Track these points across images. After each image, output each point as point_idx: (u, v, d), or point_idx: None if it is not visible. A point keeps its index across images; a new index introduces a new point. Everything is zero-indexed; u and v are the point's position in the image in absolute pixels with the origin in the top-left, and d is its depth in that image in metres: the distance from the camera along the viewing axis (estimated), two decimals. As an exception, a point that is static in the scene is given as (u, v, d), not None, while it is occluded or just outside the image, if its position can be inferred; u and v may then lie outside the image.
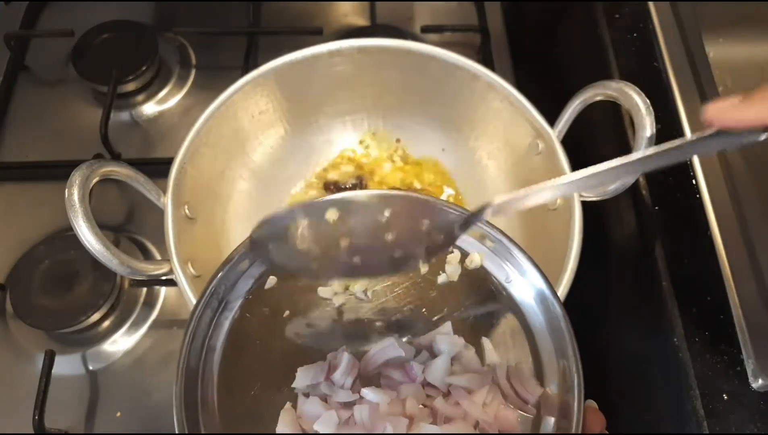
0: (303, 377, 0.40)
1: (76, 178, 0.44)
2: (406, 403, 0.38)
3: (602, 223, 0.56)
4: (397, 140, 0.66)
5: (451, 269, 0.43)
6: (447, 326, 0.42)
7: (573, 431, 0.35)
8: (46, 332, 0.58)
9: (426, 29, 0.76)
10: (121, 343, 0.59)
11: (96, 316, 0.58)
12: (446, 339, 0.41)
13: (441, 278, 0.43)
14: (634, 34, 0.58)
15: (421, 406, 0.38)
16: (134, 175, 0.49)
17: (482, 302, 0.43)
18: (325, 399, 0.39)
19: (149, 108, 0.73)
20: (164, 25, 0.76)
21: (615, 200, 0.50)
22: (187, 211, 0.52)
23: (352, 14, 0.80)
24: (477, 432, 0.37)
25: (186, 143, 0.52)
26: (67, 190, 0.43)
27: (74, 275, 0.59)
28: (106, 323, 0.60)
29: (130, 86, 0.72)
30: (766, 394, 0.44)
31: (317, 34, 0.73)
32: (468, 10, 0.79)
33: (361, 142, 0.66)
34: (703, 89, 0.54)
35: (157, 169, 0.55)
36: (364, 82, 0.61)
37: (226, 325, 0.40)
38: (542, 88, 0.62)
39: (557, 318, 0.38)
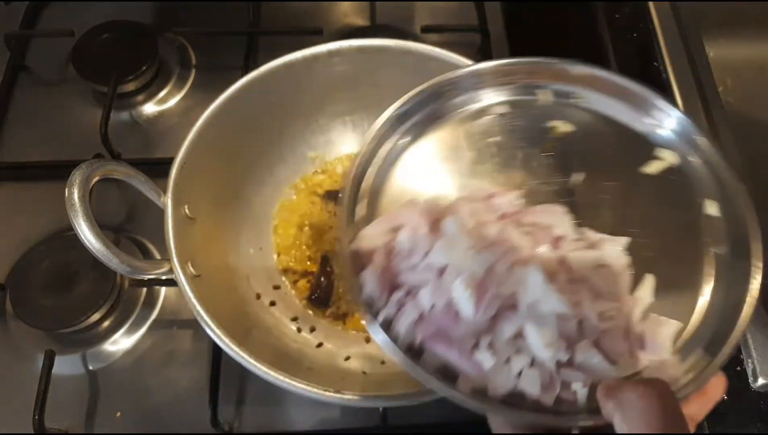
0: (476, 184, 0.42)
1: (76, 177, 0.44)
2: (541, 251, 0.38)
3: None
4: (397, 140, 0.66)
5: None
6: (622, 241, 0.39)
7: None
8: (46, 332, 0.58)
9: (426, 29, 0.76)
10: (121, 343, 0.59)
11: (96, 316, 0.58)
12: (612, 246, 0.39)
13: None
14: (634, 34, 0.58)
15: None
16: (134, 174, 0.49)
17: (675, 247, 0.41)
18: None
19: (149, 108, 0.73)
20: (164, 25, 0.76)
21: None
22: (187, 211, 0.52)
23: (352, 14, 0.80)
24: (575, 323, 0.35)
25: (186, 143, 0.52)
26: (67, 189, 0.43)
27: (74, 275, 0.59)
28: (106, 323, 0.60)
29: (130, 86, 0.72)
30: (766, 394, 0.44)
31: (317, 34, 0.73)
32: (468, 10, 0.79)
33: (361, 143, 0.66)
34: (703, 89, 0.54)
35: (157, 169, 0.55)
36: (364, 82, 0.61)
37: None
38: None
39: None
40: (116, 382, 0.58)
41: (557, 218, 0.40)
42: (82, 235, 0.43)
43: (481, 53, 0.75)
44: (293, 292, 0.60)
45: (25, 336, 0.59)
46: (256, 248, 0.61)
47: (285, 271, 0.61)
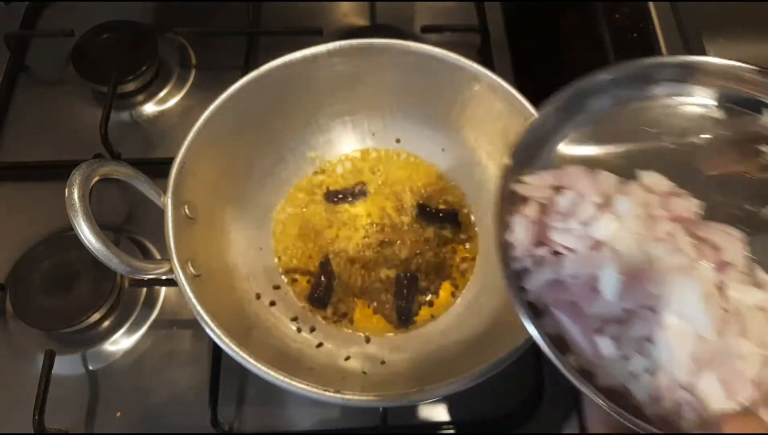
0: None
1: (76, 177, 0.44)
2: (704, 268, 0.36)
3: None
4: (397, 140, 0.66)
5: None
6: None
7: None
8: (46, 332, 0.58)
9: (426, 29, 0.76)
10: (121, 343, 0.59)
11: (96, 316, 0.58)
12: None
13: None
14: (634, 34, 0.58)
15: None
16: (134, 174, 0.49)
17: None
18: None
19: (149, 108, 0.73)
20: (164, 25, 0.76)
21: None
22: (187, 211, 0.52)
23: (352, 14, 0.80)
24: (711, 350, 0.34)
25: (186, 143, 0.52)
26: (67, 189, 0.43)
27: (74, 275, 0.59)
28: (106, 323, 0.60)
29: (130, 86, 0.72)
30: (766, 394, 0.44)
31: (317, 34, 0.73)
32: (468, 10, 0.79)
33: (361, 143, 0.66)
34: (704, 89, 0.54)
35: (157, 169, 0.55)
36: (364, 82, 0.61)
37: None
38: (542, 89, 0.62)
39: None
40: (116, 382, 0.58)
41: (731, 243, 0.37)
42: (82, 235, 0.43)
43: (481, 53, 0.75)
44: (293, 292, 0.60)
45: (25, 336, 0.59)
46: (256, 248, 0.61)
47: (285, 271, 0.61)
